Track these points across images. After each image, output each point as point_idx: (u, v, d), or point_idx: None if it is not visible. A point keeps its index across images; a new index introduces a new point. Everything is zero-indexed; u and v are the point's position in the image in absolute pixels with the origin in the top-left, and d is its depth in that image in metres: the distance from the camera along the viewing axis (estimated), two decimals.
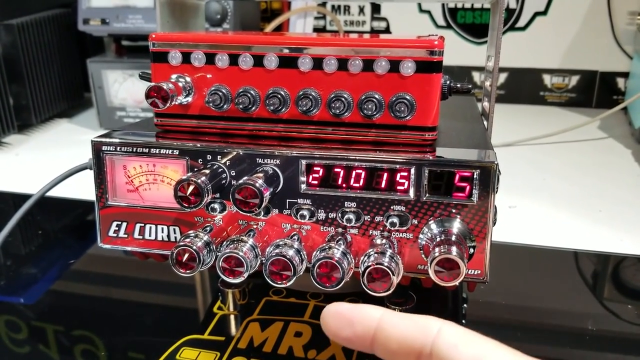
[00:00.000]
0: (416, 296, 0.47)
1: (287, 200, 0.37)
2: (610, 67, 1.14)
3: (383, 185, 0.36)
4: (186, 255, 0.35)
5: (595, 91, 1.16)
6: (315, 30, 1.22)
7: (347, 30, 1.23)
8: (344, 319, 0.27)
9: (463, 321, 0.49)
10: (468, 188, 0.34)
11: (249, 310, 0.48)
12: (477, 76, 1.20)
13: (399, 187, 0.35)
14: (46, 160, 0.89)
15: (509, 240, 0.60)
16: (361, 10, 1.22)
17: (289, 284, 0.34)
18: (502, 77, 1.19)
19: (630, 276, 0.58)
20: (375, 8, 1.21)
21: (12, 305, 0.51)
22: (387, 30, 1.23)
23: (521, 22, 1.16)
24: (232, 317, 0.48)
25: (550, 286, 0.54)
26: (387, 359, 0.28)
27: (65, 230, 0.70)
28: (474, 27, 1.18)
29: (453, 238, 0.34)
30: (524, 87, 1.19)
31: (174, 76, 0.39)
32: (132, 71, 0.96)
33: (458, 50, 1.19)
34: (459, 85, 0.40)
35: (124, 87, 0.98)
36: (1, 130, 0.93)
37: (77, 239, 0.67)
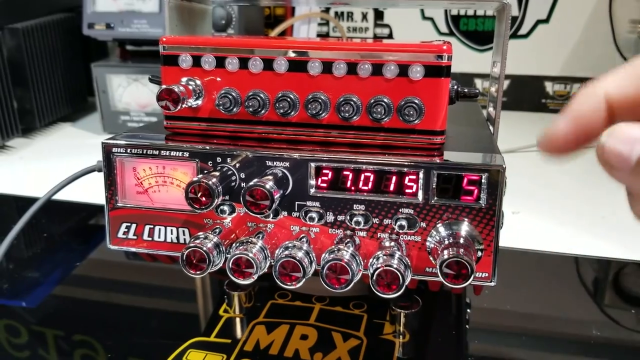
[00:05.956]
0: (422, 300, 0.47)
1: (296, 202, 0.37)
2: None
3: (391, 188, 0.36)
4: (196, 256, 0.35)
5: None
6: (319, 36, 1.23)
7: (350, 36, 1.24)
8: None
9: (467, 326, 0.49)
10: (476, 191, 0.35)
11: (254, 313, 0.48)
12: (479, 83, 1.21)
13: (407, 190, 0.36)
14: (50, 164, 0.89)
15: (512, 245, 0.60)
16: (364, 16, 1.23)
17: (298, 285, 0.34)
18: (505, 84, 1.20)
19: (633, 282, 0.58)
20: (378, 15, 1.22)
21: (14, 309, 0.51)
22: (390, 37, 1.23)
23: (523, 30, 1.17)
24: (237, 320, 0.48)
25: (553, 291, 0.54)
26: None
27: (70, 233, 0.70)
28: (476, 34, 1.18)
29: (461, 241, 0.34)
30: (526, 94, 1.19)
31: (184, 79, 0.39)
32: (136, 76, 0.97)
33: (460, 57, 1.19)
34: (466, 90, 0.41)
35: (128, 92, 0.98)
36: (5, 134, 0.94)
37: (81, 243, 0.67)
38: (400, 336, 0.45)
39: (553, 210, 0.71)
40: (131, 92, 0.98)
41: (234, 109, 0.39)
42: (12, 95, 0.94)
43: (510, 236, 0.61)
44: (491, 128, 0.47)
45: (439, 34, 1.21)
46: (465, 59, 1.19)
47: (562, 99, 1.18)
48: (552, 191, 0.78)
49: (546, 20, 1.15)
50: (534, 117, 1.18)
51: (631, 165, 0.25)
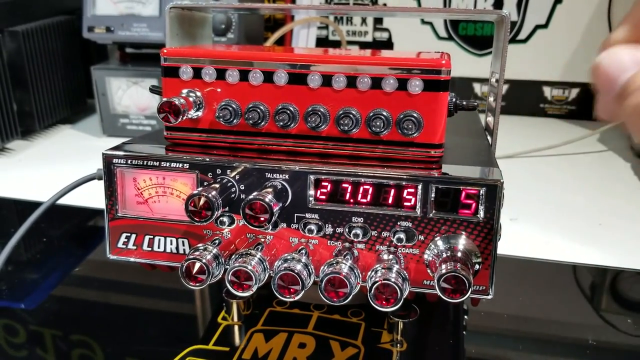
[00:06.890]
0: (419, 309, 0.48)
1: (295, 214, 0.37)
2: None
3: (390, 201, 0.36)
4: (196, 268, 0.35)
5: (595, 104, 1.17)
6: (319, 40, 1.23)
7: (349, 40, 1.24)
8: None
9: (464, 332, 0.49)
10: (474, 205, 0.35)
11: (253, 321, 0.48)
12: (477, 87, 1.21)
13: (405, 204, 0.36)
14: (49, 167, 0.89)
15: (509, 252, 0.61)
16: (364, 21, 1.23)
17: (297, 297, 0.34)
18: (503, 88, 1.20)
19: (628, 289, 0.58)
20: (378, 19, 1.22)
21: (12, 310, 0.51)
22: (389, 41, 1.24)
23: (522, 35, 1.17)
24: (236, 327, 0.48)
25: (550, 298, 0.55)
26: None
27: (69, 237, 0.70)
28: (475, 38, 1.19)
29: (459, 254, 0.34)
30: (524, 99, 1.20)
31: (184, 91, 0.39)
32: (136, 79, 0.97)
33: (459, 62, 1.19)
34: (464, 103, 0.41)
35: (127, 95, 0.98)
36: (5, 136, 0.94)
37: (80, 246, 0.67)
38: (398, 345, 0.45)
39: (550, 217, 0.71)
40: (131, 95, 0.98)
41: (234, 121, 0.39)
42: (11, 97, 0.94)
43: (508, 243, 0.62)
44: (489, 138, 0.47)
45: (438, 39, 1.21)
46: (463, 63, 1.19)
47: (561, 104, 1.19)
48: (549, 197, 0.78)
49: (545, 26, 1.16)
50: (532, 121, 1.18)
51: (615, 91, 0.28)
